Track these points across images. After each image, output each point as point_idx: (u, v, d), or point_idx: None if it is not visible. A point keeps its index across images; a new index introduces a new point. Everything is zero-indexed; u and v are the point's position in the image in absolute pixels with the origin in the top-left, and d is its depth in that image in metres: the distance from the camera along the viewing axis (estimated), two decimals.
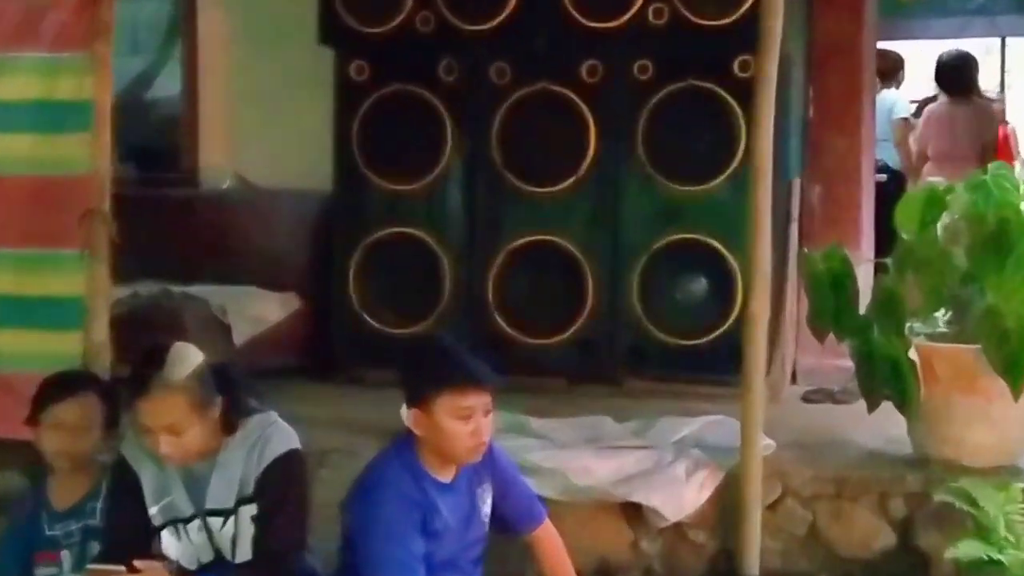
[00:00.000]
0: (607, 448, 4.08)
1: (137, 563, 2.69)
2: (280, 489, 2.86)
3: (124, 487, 3.03)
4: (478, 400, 2.74)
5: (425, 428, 2.76)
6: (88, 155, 3.72)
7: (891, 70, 6.73)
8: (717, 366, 4.57)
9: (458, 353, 2.92)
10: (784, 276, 4.69)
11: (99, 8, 3.67)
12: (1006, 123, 7.04)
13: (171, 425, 2.73)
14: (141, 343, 3.34)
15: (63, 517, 3.23)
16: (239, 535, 2.90)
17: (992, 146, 6.28)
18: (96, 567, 2.80)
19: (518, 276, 4.91)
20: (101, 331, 3.70)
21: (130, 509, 2.98)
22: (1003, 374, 3.54)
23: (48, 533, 3.23)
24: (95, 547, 3.19)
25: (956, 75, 6.64)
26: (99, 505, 3.21)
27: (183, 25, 5.81)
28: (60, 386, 3.25)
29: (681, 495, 3.82)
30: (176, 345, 2.81)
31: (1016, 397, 3.50)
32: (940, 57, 6.89)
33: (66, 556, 3.27)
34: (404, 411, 2.79)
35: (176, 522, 2.93)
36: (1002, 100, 7.74)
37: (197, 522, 2.92)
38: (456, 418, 2.73)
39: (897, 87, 6.97)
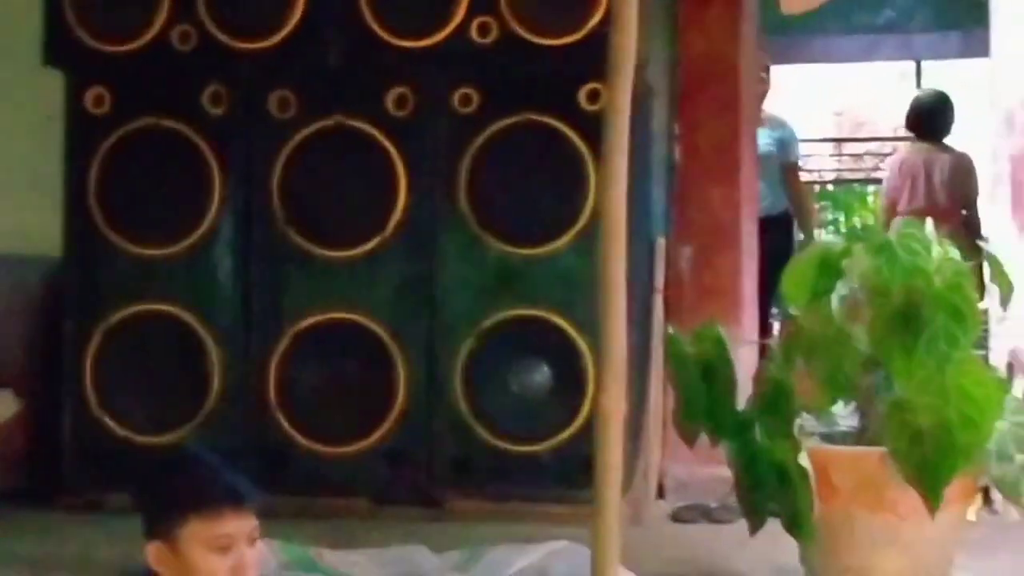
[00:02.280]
0: None
1: None
2: None
3: None
4: (238, 526, 2.32)
5: (171, 567, 2.33)
6: None
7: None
8: (563, 479, 3.96)
9: (208, 466, 2.42)
10: (647, 362, 4.14)
11: None
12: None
13: None
14: None
15: None
16: None
17: (975, 201, 5.86)
18: None
19: (308, 366, 4.14)
20: None
21: None
22: (916, 484, 3.08)
23: None
24: None
25: (936, 119, 6.13)
26: None
27: None
28: None
29: None
30: None
31: (932, 513, 3.01)
32: (917, 98, 6.44)
33: None
34: (148, 548, 2.30)
35: None
36: None
37: None
38: (210, 550, 2.33)
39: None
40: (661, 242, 4.33)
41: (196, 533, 2.17)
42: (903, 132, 7.54)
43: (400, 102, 4.02)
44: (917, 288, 3.19)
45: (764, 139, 5.75)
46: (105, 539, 3.43)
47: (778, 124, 6.10)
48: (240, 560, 2.21)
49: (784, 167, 5.98)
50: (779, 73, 6.87)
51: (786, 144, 6.04)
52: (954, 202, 5.66)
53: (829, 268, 3.30)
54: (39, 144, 4.37)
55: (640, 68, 3.16)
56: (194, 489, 2.23)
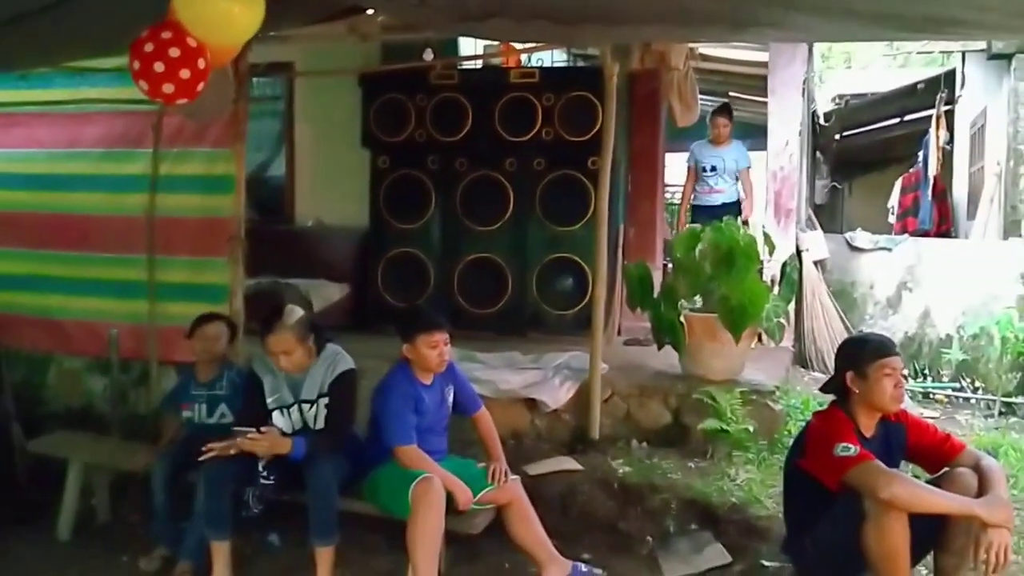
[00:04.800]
0: (517, 368, 5.43)
1: (262, 428, 3.52)
2: (342, 391, 3.65)
3: (252, 388, 3.76)
4: (440, 337, 3.59)
5: (413, 354, 3.58)
6: (231, 206, 4.92)
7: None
8: (577, 326, 6.06)
9: (428, 310, 4.04)
10: (615, 277, 6.27)
11: (238, 124, 4.87)
12: None
13: (286, 349, 3.54)
14: (263, 309, 4.05)
15: (201, 387, 4.18)
16: (318, 415, 3.68)
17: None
18: (238, 429, 3.50)
19: (470, 276, 6.60)
20: (238, 303, 4.89)
21: (256, 400, 3.73)
22: (729, 330, 4.91)
23: (192, 393, 4.18)
24: (217, 406, 4.11)
25: None
26: (223, 383, 4.13)
27: (286, 134, 7.53)
28: (204, 317, 4.28)
29: (557, 394, 5.01)
30: (288, 306, 3.69)
31: (736, 342, 4.91)
32: None
33: (198, 407, 4.19)
34: (403, 347, 3.64)
35: (282, 407, 3.70)
36: None
37: (295, 406, 3.69)
38: (429, 348, 3.57)
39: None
40: (622, 227, 6.66)
41: (423, 340, 3.56)
42: None
43: (510, 164, 6.52)
44: (732, 245, 4.98)
45: (729, 155, 7.43)
46: (383, 346, 4.32)
47: (736, 146, 7.54)
48: (441, 352, 3.58)
49: (739, 172, 7.53)
50: (672, 158, 8.55)
51: (740, 158, 7.55)
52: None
53: (695, 236, 5.14)
54: (359, 179, 6.83)
55: (614, 151, 4.95)
56: (420, 319, 3.69)
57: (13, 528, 4.39)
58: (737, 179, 7.59)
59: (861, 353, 3.16)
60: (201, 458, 3.48)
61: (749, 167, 7.61)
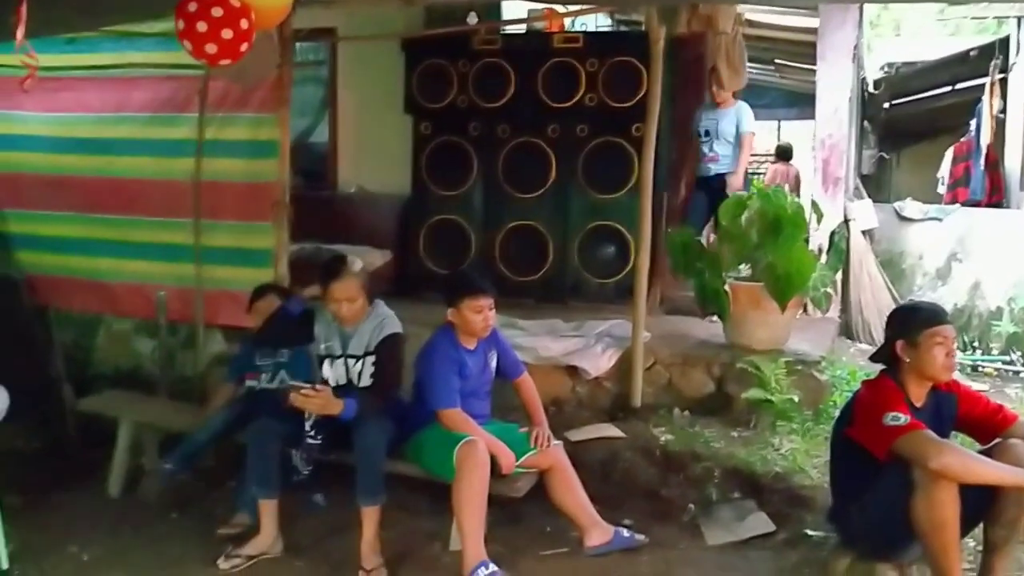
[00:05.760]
0: (559, 336, 5.38)
1: (317, 387, 3.53)
2: (389, 351, 3.68)
3: (306, 326, 3.82)
4: (486, 302, 3.63)
5: (458, 319, 3.64)
6: (276, 171, 4.94)
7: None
8: (620, 294, 6.04)
9: (474, 275, 3.90)
10: (658, 244, 5.73)
11: (283, 89, 4.90)
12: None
13: (349, 296, 3.62)
14: (305, 274, 4.55)
15: (264, 356, 4.24)
16: (363, 371, 3.73)
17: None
18: (293, 384, 3.52)
19: (511, 243, 6.63)
20: (283, 267, 4.96)
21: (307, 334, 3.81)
22: (775, 299, 4.89)
23: (256, 363, 4.24)
24: (278, 373, 4.15)
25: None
26: (284, 351, 4.16)
27: (329, 102, 7.52)
28: (258, 291, 4.36)
29: (599, 362, 5.03)
30: (350, 256, 3.83)
31: (782, 311, 4.90)
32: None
33: (263, 377, 4.24)
34: (448, 311, 3.68)
35: (331, 357, 3.77)
36: None
37: (342, 360, 3.75)
38: (474, 313, 3.62)
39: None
40: (664, 193, 6.20)
41: (468, 304, 3.61)
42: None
43: (553, 131, 6.47)
44: (780, 212, 4.94)
45: (726, 118, 6.76)
46: (425, 311, 4.49)
47: (738, 108, 6.87)
48: (486, 317, 3.63)
49: (742, 137, 6.89)
50: None
51: (741, 120, 6.86)
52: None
53: (741, 204, 5.14)
54: (402, 146, 6.84)
55: (656, 117, 4.90)
56: (466, 283, 3.71)
57: (66, 485, 4.50)
58: (740, 146, 6.93)
59: (912, 321, 3.12)
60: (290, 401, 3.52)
61: (752, 132, 6.94)
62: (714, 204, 6.04)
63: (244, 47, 3.24)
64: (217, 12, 3.16)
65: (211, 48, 3.20)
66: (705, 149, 6.97)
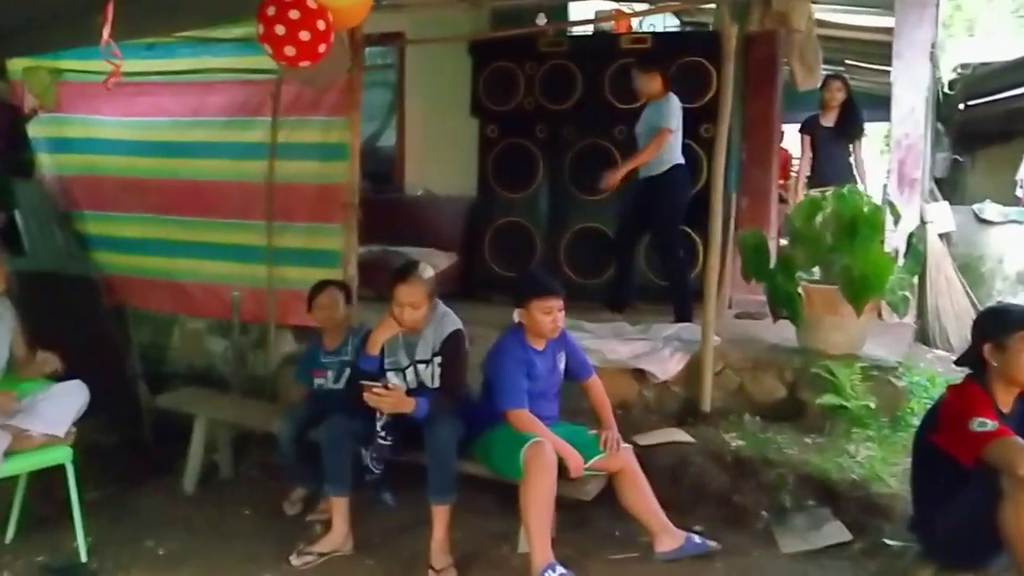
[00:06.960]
0: (625, 338, 5.29)
1: (389, 385, 3.56)
2: (455, 350, 3.69)
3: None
4: (555, 303, 3.59)
5: (527, 319, 3.63)
6: (346, 173, 4.99)
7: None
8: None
9: (543, 275, 3.99)
10: (727, 246, 5.82)
11: (353, 92, 4.93)
12: None
13: (414, 302, 3.59)
14: (374, 276, 4.90)
15: (329, 354, 4.30)
16: (434, 374, 3.74)
17: None
18: (365, 384, 3.52)
19: (577, 246, 6.55)
20: (352, 268, 5.01)
21: (376, 359, 3.75)
22: (850, 302, 4.68)
23: (322, 360, 4.30)
24: (343, 371, 4.19)
25: None
26: (349, 349, 4.21)
27: (397, 105, 7.62)
28: (317, 287, 4.35)
29: (667, 365, 4.90)
30: (423, 263, 3.80)
31: (858, 315, 4.68)
32: None
33: (329, 374, 4.29)
34: (515, 312, 3.67)
35: (397, 370, 3.76)
36: None
37: (411, 368, 3.76)
38: (543, 314, 3.59)
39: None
40: (734, 195, 6.29)
41: (537, 305, 3.52)
42: None
43: (619, 132, 6.33)
44: (856, 214, 4.74)
45: (647, 114, 5.78)
46: (491, 313, 4.70)
47: (663, 103, 5.67)
48: (555, 318, 3.58)
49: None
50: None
51: (658, 117, 5.76)
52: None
53: (815, 205, 4.96)
54: (468, 149, 6.84)
55: (727, 118, 4.66)
56: (536, 283, 3.70)
57: (142, 481, 4.59)
58: None
59: (1002, 323, 3.01)
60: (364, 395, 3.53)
61: (667, 128, 5.60)
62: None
63: (322, 48, 3.30)
64: (294, 15, 3.23)
65: (290, 50, 3.28)
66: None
